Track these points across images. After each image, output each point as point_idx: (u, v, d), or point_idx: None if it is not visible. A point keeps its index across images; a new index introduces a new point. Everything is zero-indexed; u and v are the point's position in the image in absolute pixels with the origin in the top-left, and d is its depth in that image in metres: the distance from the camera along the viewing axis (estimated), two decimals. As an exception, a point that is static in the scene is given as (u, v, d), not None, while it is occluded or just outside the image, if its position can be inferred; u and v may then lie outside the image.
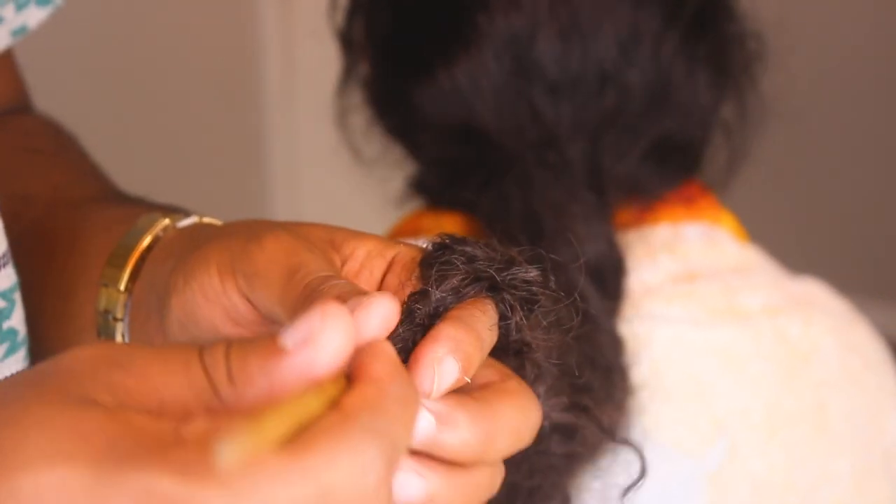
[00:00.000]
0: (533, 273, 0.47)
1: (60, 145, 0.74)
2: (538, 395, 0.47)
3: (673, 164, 0.83)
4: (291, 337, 0.37)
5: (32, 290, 0.58)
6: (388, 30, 0.84)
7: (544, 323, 0.48)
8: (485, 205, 0.79)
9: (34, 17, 0.63)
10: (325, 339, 0.36)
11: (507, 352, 0.47)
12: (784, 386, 0.77)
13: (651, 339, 0.76)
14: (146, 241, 0.56)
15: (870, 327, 0.84)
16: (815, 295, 0.83)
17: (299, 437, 0.35)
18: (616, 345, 0.73)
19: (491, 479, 0.44)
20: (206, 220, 0.58)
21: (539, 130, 0.78)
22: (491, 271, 0.46)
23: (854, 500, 0.78)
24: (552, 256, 0.63)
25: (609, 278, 0.75)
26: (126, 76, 2.16)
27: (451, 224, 0.82)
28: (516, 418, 0.43)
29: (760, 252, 0.85)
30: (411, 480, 0.41)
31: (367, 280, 0.47)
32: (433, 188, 0.85)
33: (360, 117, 0.88)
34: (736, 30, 0.83)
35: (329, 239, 0.48)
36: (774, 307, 0.79)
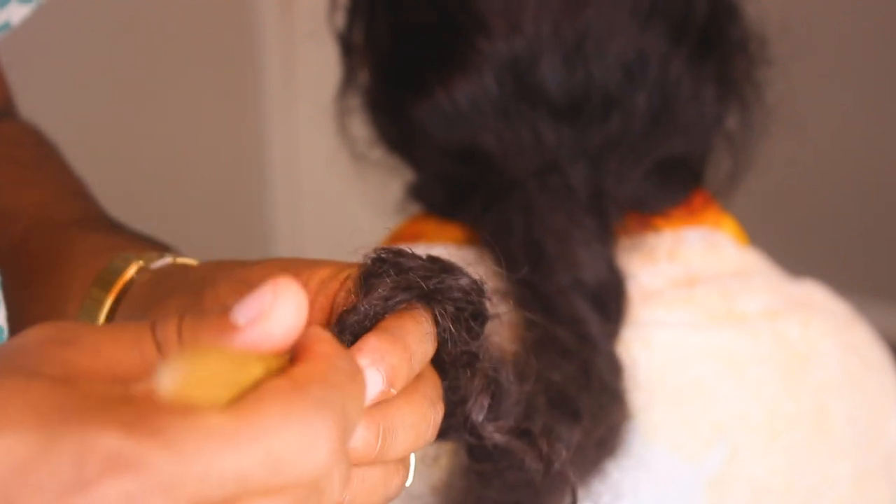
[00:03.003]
0: (465, 280, 0.46)
1: (43, 157, 0.74)
2: (482, 408, 0.47)
3: (677, 180, 0.82)
4: (243, 313, 0.37)
5: (10, 310, 0.58)
6: (388, 46, 0.83)
7: (482, 331, 0.47)
8: (485, 227, 0.78)
9: (17, 13, 0.62)
10: (277, 314, 0.36)
11: (456, 364, 0.46)
12: (784, 389, 0.77)
13: (650, 344, 0.76)
14: (119, 285, 0.57)
15: (870, 329, 0.84)
16: (814, 297, 0.82)
17: (245, 399, 0.35)
18: (615, 368, 0.72)
19: (385, 479, 0.43)
20: (180, 260, 0.58)
21: (541, 154, 0.77)
22: (418, 279, 0.45)
23: (855, 502, 0.78)
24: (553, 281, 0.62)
25: (610, 303, 0.75)
26: (124, 77, 2.15)
27: (453, 230, 0.82)
28: (412, 416, 0.43)
29: (760, 255, 0.84)
30: None
31: (322, 304, 0.47)
32: (432, 199, 0.84)
33: (360, 121, 0.87)
34: (740, 37, 0.82)
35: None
36: (773, 310, 0.79)
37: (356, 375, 0.38)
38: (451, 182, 0.81)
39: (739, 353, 0.77)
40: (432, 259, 0.47)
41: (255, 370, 0.36)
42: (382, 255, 0.46)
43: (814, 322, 0.80)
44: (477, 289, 0.47)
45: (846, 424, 0.78)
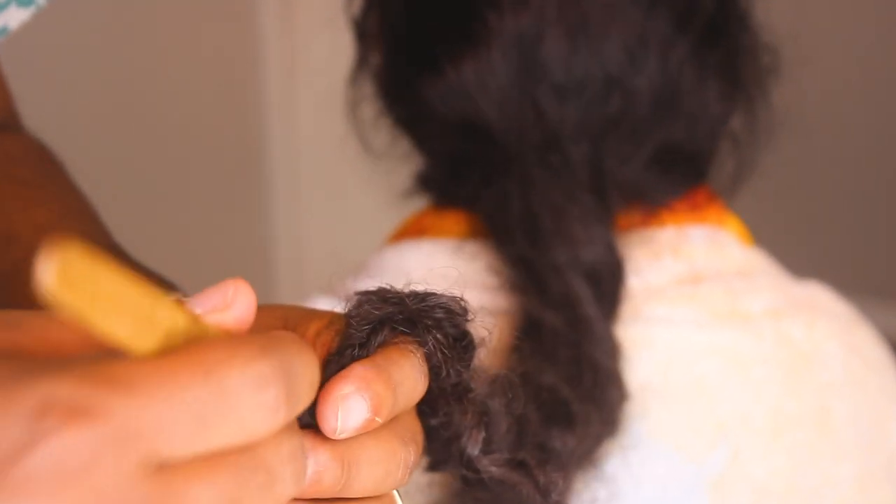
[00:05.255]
0: (445, 298, 0.46)
1: (46, 174, 0.73)
2: (476, 443, 0.47)
3: (679, 172, 0.82)
4: (201, 304, 0.38)
5: None
6: (401, 22, 0.84)
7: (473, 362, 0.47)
8: (485, 202, 0.79)
9: (15, 17, 0.62)
10: (233, 307, 0.38)
11: (447, 397, 0.46)
12: (787, 389, 0.77)
13: (653, 341, 0.76)
14: None
15: (873, 330, 0.84)
16: (818, 298, 0.82)
17: (190, 344, 0.35)
18: (611, 350, 0.72)
19: None
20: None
21: (542, 131, 0.78)
22: (401, 299, 0.45)
23: (857, 504, 0.78)
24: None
25: (606, 283, 0.75)
26: (124, 76, 2.15)
27: (452, 223, 0.82)
28: (377, 452, 0.43)
29: (764, 255, 0.84)
30: None
31: (319, 353, 0.47)
32: (438, 183, 0.85)
33: (370, 109, 0.88)
34: (749, 42, 0.83)
35: (283, 324, 0.48)
36: (777, 310, 0.79)
37: (305, 348, 0.38)
38: (454, 161, 0.82)
39: (743, 352, 0.77)
40: (413, 291, 0.47)
41: (179, 318, 0.36)
42: (365, 292, 0.46)
43: (818, 323, 0.80)
44: (459, 307, 0.47)
45: (849, 425, 0.78)
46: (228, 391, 0.34)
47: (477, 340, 0.47)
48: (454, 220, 0.82)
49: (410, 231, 0.84)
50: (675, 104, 0.79)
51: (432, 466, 0.49)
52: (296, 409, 0.37)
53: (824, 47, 2.25)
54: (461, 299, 0.47)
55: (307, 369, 0.38)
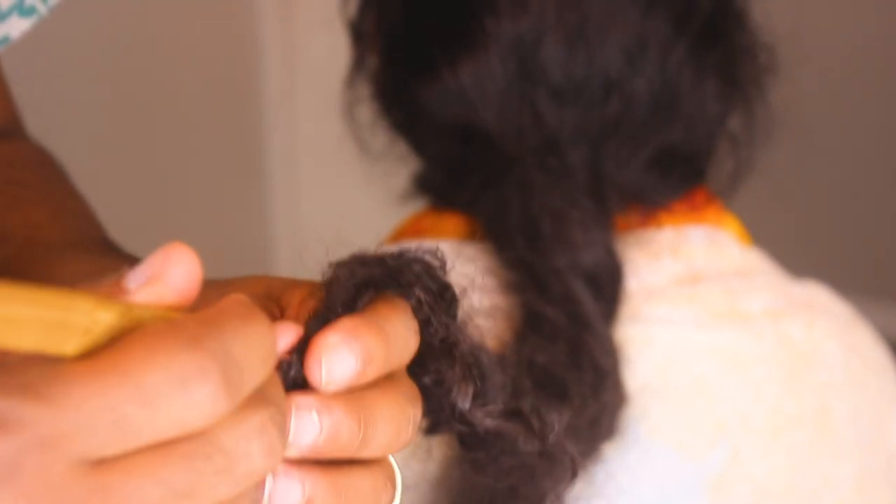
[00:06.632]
0: (422, 253, 0.46)
1: (44, 178, 0.72)
2: (466, 396, 0.46)
3: (678, 173, 0.82)
4: (135, 278, 0.36)
5: None
6: (398, 25, 0.84)
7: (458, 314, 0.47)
8: (484, 206, 0.79)
9: (17, 27, 0.62)
10: (168, 277, 0.36)
11: (436, 354, 0.46)
12: (787, 389, 0.77)
13: (653, 341, 0.76)
14: None
15: (872, 331, 0.84)
16: (817, 298, 0.82)
17: (114, 342, 0.34)
18: (610, 350, 0.72)
19: (373, 484, 0.42)
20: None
21: (541, 134, 0.78)
22: (379, 258, 0.45)
23: (856, 504, 0.78)
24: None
25: (605, 284, 0.75)
26: (124, 76, 2.15)
27: (451, 224, 0.82)
28: (390, 409, 0.42)
29: (763, 255, 0.84)
30: (290, 487, 0.39)
31: (303, 321, 0.46)
32: (436, 186, 0.85)
33: (367, 110, 0.88)
34: (747, 41, 0.83)
35: (266, 293, 0.47)
36: (776, 310, 0.79)
37: (249, 317, 0.37)
38: (452, 164, 0.82)
39: (743, 352, 0.77)
40: (387, 250, 0.46)
41: (103, 315, 0.34)
42: (341, 260, 0.46)
43: (818, 323, 0.80)
44: (437, 259, 0.46)
45: (848, 425, 0.78)
46: (148, 392, 0.33)
47: (459, 292, 0.47)
48: (453, 222, 0.82)
49: (409, 232, 0.84)
50: (673, 105, 0.79)
51: (430, 429, 0.49)
52: (240, 392, 0.35)
53: (823, 47, 2.25)
54: (437, 251, 0.47)
55: (251, 347, 0.36)
